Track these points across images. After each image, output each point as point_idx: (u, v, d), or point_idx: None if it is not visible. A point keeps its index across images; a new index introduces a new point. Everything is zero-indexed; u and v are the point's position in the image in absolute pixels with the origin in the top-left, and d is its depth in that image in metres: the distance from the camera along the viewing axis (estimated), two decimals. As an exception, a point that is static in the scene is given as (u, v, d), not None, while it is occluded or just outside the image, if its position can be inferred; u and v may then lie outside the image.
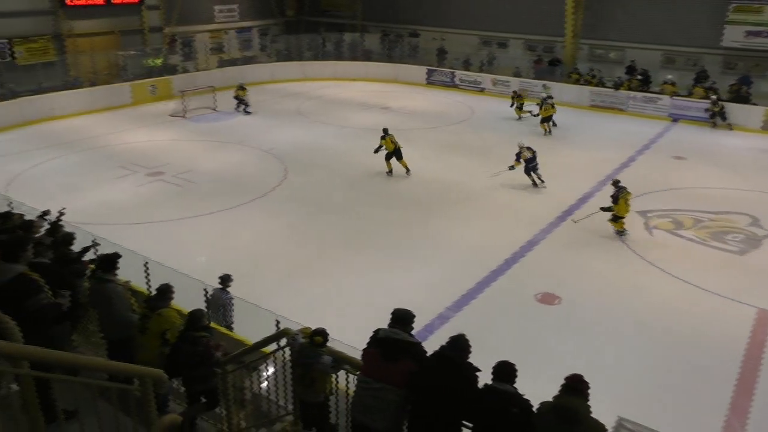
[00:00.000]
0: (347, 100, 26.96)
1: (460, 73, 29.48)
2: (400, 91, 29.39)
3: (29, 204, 11.80)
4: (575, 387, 3.85)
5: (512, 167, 16.22)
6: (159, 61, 28.01)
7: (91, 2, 25.75)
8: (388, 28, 34.24)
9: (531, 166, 16.09)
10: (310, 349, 5.04)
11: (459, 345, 4.08)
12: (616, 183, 13.35)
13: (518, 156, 16.12)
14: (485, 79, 28.66)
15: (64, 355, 3.52)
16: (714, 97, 22.74)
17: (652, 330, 9.94)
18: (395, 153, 16.92)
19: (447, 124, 23.27)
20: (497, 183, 16.49)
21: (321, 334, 5.06)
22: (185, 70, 28.84)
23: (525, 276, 11.62)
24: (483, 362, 4.12)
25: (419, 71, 30.61)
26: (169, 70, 28.08)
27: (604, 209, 13.22)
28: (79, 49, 25.48)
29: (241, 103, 24.23)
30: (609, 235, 13.31)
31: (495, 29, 30.78)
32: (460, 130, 22.52)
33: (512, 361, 4.01)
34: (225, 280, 8.67)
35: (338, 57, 32.87)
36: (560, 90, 26.42)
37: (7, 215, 8.21)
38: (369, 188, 16.19)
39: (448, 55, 31.15)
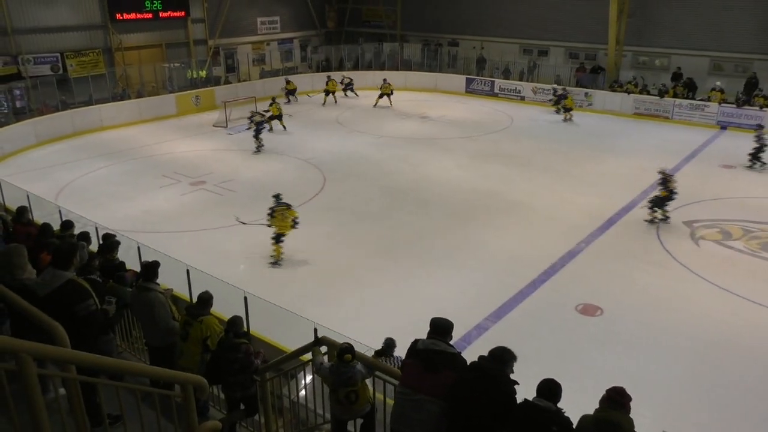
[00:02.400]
0: (386, 110, 27.07)
1: (499, 82, 29.31)
2: (439, 100, 29.39)
3: (77, 212, 12.22)
4: (617, 400, 3.76)
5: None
6: (203, 73, 28.70)
7: (139, 17, 26.61)
8: (428, 38, 34.31)
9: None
10: (343, 367, 5.04)
11: (499, 357, 4.01)
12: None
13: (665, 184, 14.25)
14: (525, 87, 28.42)
15: (109, 361, 3.62)
16: None
17: (697, 342, 9.64)
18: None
19: (486, 133, 23.13)
20: (536, 192, 16.27)
21: (349, 351, 5.05)
22: (228, 82, 29.52)
23: (565, 287, 11.42)
24: (521, 373, 4.06)
25: (458, 80, 30.56)
26: (213, 81, 28.76)
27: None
28: (127, 62, 26.34)
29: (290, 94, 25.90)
30: (653, 245, 12.99)
31: (536, 37, 30.55)
32: (499, 138, 22.35)
33: (552, 372, 3.95)
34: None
35: (377, 67, 33.08)
36: (603, 98, 26.05)
37: (68, 224, 8.50)
38: (407, 197, 16.20)
39: (488, 63, 31.02)
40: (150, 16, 27.01)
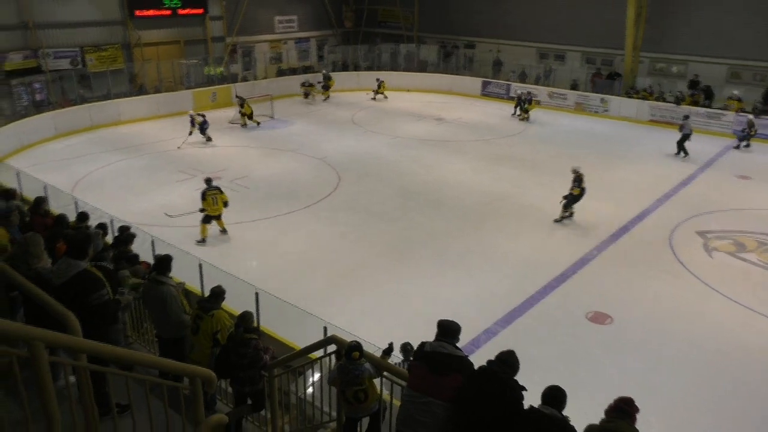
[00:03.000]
0: (401, 111, 27.09)
1: (515, 85, 29.21)
2: (454, 102, 29.36)
3: (93, 204, 12.36)
4: (625, 410, 3.75)
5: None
6: (219, 70, 28.89)
7: (158, 13, 26.83)
8: (445, 40, 34.28)
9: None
10: (351, 365, 5.06)
11: (507, 361, 4.02)
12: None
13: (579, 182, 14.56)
14: (541, 91, 28.31)
15: (120, 351, 3.65)
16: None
17: (707, 353, 9.55)
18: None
19: (501, 136, 23.07)
20: (549, 197, 16.20)
21: (357, 349, 5.07)
22: (245, 79, 29.70)
23: (576, 293, 11.36)
24: (529, 379, 4.05)
25: (474, 83, 30.51)
26: (230, 78, 28.94)
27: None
28: (146, 58, 26.57)
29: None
30: (665, 255, 12.89)
31: (553, 41, 30.41)
32: (514, 142, 22.28)
33: (560, 379, 3.94)
34: None
35: (393, 68, 33.12)
36: (619, 104, 25.90)
37: (83, 216, 8.61)
38: (420, 198, 16.20)
39: (504, 66, 30.94)
40: (169, 12, 27.22)
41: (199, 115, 21.28)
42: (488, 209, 15.43)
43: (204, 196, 13.13)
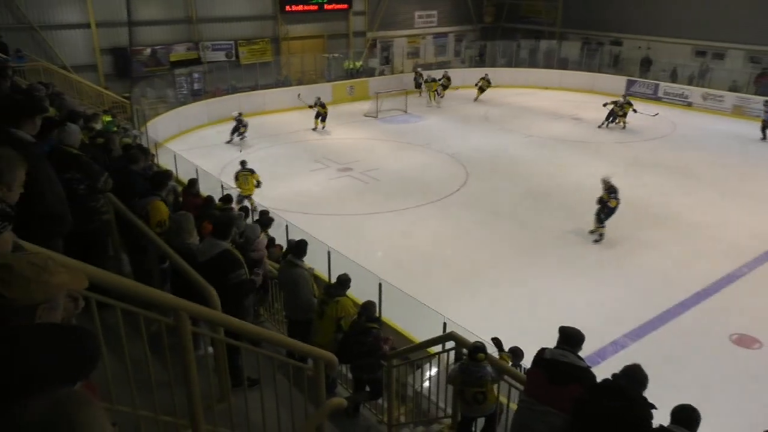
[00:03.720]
0: (537, 109, 26.29)
1: (664, 85, 27.23)
2: (595, 101, 27.89)
3: (237, 188, 13.25)
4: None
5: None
6: (359, 64, 29.74)
7: (306, 9, 28.16)
8: (589, 36, 32.69)
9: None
10: (474, 366, 5.02)
11: (635, 376, 3.77)
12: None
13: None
14: (694, 92, 26.15)
15: (253, 328, 3.91)
16: None
17: None
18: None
19: (643, 139, 21.64)
20: (696, 207, 14.99)
21: (482, 350, 5.02)
22: (382, 73, 30.33)
23: (719, 313, 10.42)
24: (659, 399, 3.77)
25: (618, 81, 28.80)
26: (367, 72, 29.71)
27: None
28: (291, 51, 28.01)
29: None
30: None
31: (712, 38, 27.85)
32: (658, 146, 20.80)
33: (694, 403, 3.63)
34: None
35: (532, 64, 32.19)
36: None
37: (228, 198, 9.29)
38: (551, 200, 15.64)
39: (654, 65, 28.91)
40: (315, 8, 28.45)
41: (238, 120, 20.84)
42: (626, 217, 14.50)
43: (237, 177, 14.20)
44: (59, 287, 1.70)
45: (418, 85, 28.13)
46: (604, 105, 22.22)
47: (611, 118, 22.60)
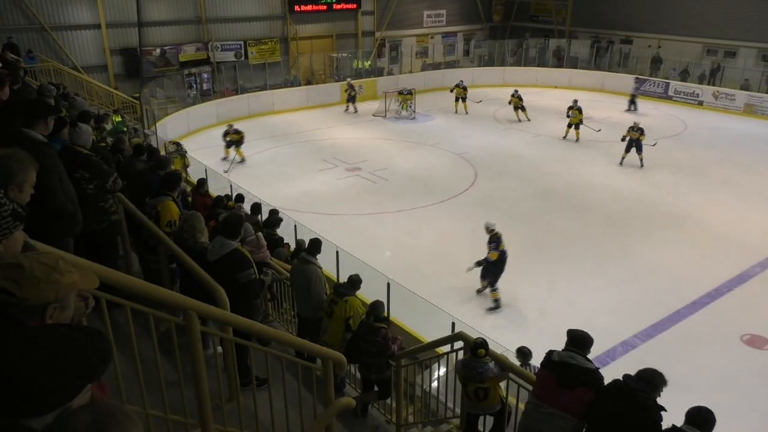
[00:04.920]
0: (545, 108, 26.17)
1: (675, 84, 27.04)
2: (604, 100, 27.80)
3: (245, 188, 13.29)
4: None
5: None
6: (367, 64, 29.74)
7: (315, 8, 28.20)
8: (599, 35, 32.52)
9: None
10: (475, 362, 5.02)
11: (648, 379, 3.73)
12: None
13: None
14: (705, 91, 25.95)
15: (262, 327, 3.92)
16: None
17: None
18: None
19: (654, 138, 21.47)
20: (707, 206, 14.88)
21: (482, 346, 5.03)
22: (390, 73, 30.32)
23: (731, 313, 10.34)
24: (670, 400, 3.75)
25: (628, 80, 28.64)
26: (376, 72, 29.71)
27: None
28: (300, 51, 28.06)
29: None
30: None
31: (723, 36, 27.65)
32: (669, 145, 20.65)
33: (705, 404, 3.61)
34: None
35: (541, 63, 32.07)
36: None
37: (240, 197, 9.33)
38: (560, 199, 15.58)
39: (664, 64, 28.72)
40: (324, 8, 28.49)
41: (234, 131, 18.73)
42: (636, 216, 14.47)
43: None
44: (70, 287, 1.71)
45: (350, 99, 25.22)
46: (622, 139, 18.24)
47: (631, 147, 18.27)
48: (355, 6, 29.45)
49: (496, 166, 18.30)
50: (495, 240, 10.43)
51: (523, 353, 7.14)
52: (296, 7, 27.43)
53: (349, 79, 22.64)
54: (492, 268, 10.45)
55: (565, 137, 21.13)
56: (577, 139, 20.82)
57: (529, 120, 23.60)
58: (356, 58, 29.66)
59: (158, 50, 24.14)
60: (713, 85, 26.35)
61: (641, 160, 18.05)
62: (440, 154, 19.59)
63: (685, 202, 15.24)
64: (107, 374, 1.74)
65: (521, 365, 6.77)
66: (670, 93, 27.04)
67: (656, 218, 14.33)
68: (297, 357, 4.46)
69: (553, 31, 34.24)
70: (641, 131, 17.98)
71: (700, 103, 25.94)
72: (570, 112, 20.96)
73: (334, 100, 26.72)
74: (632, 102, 25.35)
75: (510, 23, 36.20)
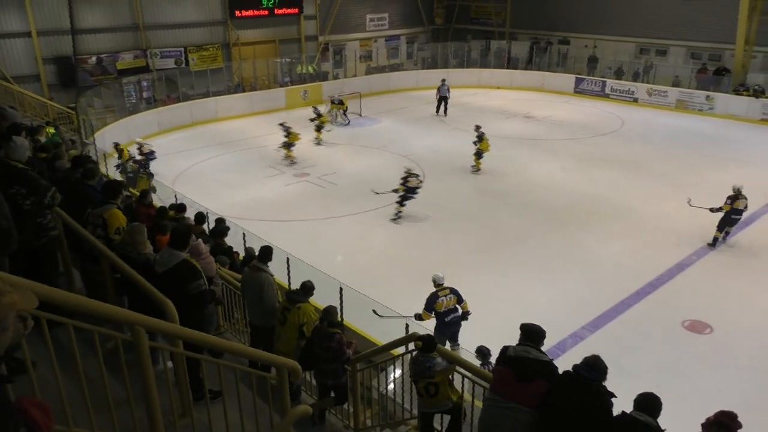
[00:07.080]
0: (490, 108, 26.67)
1: (611, 82, 28.03)
2: (545, 100, 28.57)
3: (191, 197, 13.01)
4: (726, 425, 3.51)
5: (397, 191, 14.36)
6: (311, 68, 29.61)
7: (256, 14, 27.88)
8: (538, 36, 33.39)
9: (410, 197, 14.36)
10: (423, 357, 5.07)
11: (595, 367, 3.85)
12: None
13: (404, 181, 14.28)
14: (640, 89, 26.99)
15: (213, 339, 3.84)
16: None
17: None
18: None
19: (594, 135, 22.22)
20: (647, 199, 15.45)
21: (421, 339, 5.10)
22: (335, 77, 30.29)
23: (672, 300, 10.78)
24: (619, 387, 3.87)
25: (567, 80, 29.54)
26: (321, 76, 29.61)
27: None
28: (243, 57, 27.68)
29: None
30: (776, 264, 11.96)
31: (654, 36, 28.87)
32: (608, 142, 21.39)
33: (652, 389, 3.74)
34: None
35: (483, 65, 32.66)
36: (726, 102, 24.27)
37: (181, 206, 9.11)
38: (507, 198, 15.90)
39: (600, 63, 29.74)
40: (266, 12, 28.20)
41: (145, 144, 16.98)
42: (580, 211, 14.90)
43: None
44: (8, 308, 1.64)
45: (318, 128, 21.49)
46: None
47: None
48: (297, 10, 29.28)
49: (443, 166, 18.52)
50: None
51: (483, 353, 7.20)
52: (237, 12, 27.06)
53: (138, 140, 17.71)
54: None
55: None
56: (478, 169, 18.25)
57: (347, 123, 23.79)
58: (300, 62, 29.48)
59: (94, 58, 23.36)
60: (647, 82, 27.43)
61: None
62: (388, 157, 19.68)
63: (625, 196, 15.78)
64: (51, 395, 1.66)
65: (481, 365, 6.85)
66: (607, 91, 28.01)
67: (598, 213, 14.79)
68: (251, 367, 4.40)
69: (494, 32, 34.95)
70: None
71: (635, 100, 26.95)
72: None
73: (279, 106, 26.47)
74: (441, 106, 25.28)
75: (452, 26, 36.75)
